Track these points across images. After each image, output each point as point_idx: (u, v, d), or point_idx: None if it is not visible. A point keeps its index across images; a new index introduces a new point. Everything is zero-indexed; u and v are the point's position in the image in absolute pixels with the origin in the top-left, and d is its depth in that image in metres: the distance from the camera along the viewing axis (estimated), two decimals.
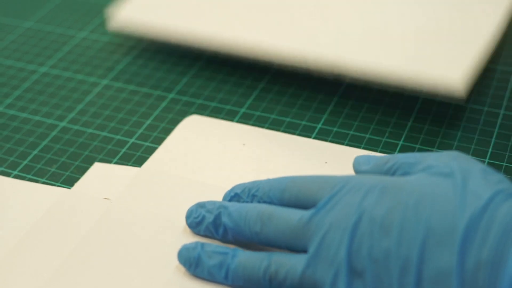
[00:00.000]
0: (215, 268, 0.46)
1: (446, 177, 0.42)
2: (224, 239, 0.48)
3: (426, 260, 0.39)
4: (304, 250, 0.44)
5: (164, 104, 0.63)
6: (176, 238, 0.49)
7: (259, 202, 0.48)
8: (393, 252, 0.40)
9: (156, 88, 0.66)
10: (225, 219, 0.48)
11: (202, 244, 0.47)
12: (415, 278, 0.39)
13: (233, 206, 0.48)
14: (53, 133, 0.61)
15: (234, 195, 0.50)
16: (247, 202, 0.49)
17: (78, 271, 0.48)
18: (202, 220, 0.49)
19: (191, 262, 0.46)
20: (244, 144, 0.58)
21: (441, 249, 0.39)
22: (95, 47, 0.72)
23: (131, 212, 0.52)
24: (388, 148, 0.57)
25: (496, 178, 0.42)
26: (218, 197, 0.51)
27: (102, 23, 0.76)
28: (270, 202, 0.48)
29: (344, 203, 0.43)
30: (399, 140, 0.58)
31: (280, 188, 0.48)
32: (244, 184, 0.50)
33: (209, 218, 0.48)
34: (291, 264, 0.44)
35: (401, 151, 0.57)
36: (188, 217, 0.50)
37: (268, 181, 0.49)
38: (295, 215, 0.45)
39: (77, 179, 0.56)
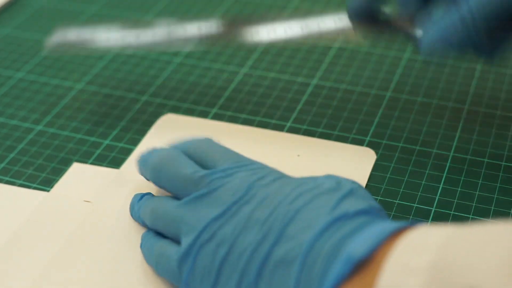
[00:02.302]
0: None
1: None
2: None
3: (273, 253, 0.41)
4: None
5: (137, 106, 0.65)
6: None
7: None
8: (254, 244, 0.42)
9: (129, 91, 0.67)
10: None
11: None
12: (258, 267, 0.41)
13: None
14: (30, 136, 0.62)
15: None
16: None
17: (62, 273, 0.49)
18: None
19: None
20: (218, 141, 0.59)
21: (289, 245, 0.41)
22: (71, 52, 0.74)
23: (112, 214, 0.53)
24: (357, 143, 0.59)
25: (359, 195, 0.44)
26: None
27: None
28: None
29: (236, 181, 0.46)
30: (366, 137, 0.60)
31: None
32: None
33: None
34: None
35: (368, 146, 0.59)
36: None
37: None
38: (191, 168, 0.48)
39: (53, 180, 0.57)
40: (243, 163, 0.48)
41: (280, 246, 0.41)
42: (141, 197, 0.52)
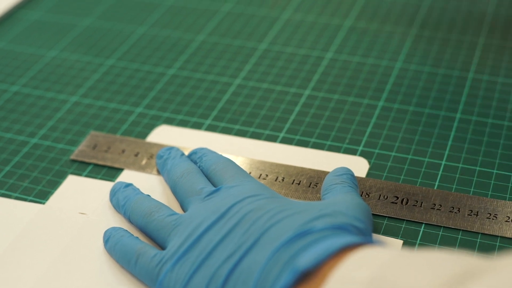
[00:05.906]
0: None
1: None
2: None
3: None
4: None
5: (132, 118, 0.65)
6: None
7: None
8: (227, 254, 0.45)
9: (124, 103, 0.67)
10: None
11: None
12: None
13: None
14: (25, 149, 0.62)
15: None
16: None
17: (57, 285, 0.49)
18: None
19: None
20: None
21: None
22: (65, 65, 0.74)
23: (107, 226, 0.53)
24: (349, 153, 0.59)
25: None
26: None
27: (71, 42, 0.78)
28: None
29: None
30: (359, 146, 0.60)
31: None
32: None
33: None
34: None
35: (360, 155, 0.59)
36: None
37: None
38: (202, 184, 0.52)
39: (48, 193, 0.57)
40: (243, 183, 0.51)
41: (248, 257, 0.44)
42: (126, 186, 0.55)
